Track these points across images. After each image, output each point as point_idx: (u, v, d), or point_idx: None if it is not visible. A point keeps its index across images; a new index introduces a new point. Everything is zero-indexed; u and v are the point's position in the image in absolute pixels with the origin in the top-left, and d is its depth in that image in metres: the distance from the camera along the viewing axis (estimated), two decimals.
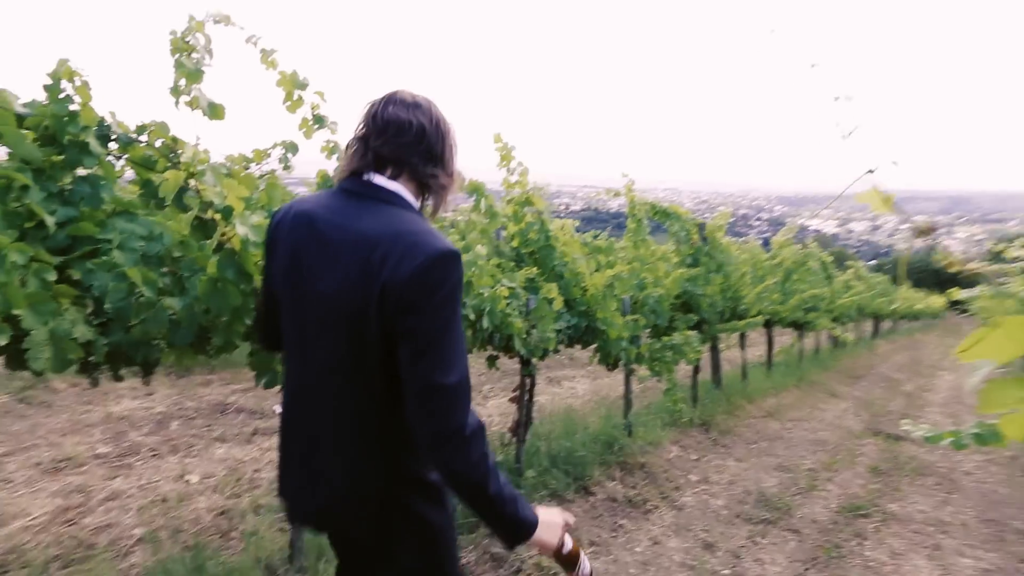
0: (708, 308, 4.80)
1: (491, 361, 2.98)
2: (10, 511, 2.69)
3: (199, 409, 4.17)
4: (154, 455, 3.41)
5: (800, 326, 7.57)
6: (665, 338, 3.87)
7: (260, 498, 2.95)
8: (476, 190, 3.07)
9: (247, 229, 1.58)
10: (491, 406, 4.90)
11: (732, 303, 5.41)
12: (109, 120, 1.91)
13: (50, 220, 1.64)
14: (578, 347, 3.57)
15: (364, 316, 0.91)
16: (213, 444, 3.62)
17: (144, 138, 2.01)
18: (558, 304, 2.98)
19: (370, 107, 1.00)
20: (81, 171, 1.77)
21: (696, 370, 5.02)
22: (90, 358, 1.66)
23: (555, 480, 3.14)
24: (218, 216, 1.54)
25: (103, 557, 2.40)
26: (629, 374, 3.97)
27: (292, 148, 2.35)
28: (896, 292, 14.29)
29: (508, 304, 2.78)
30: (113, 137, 1.93)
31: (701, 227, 5.25)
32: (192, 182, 1.48)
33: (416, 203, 1.02)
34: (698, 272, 4.76)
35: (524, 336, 2.82)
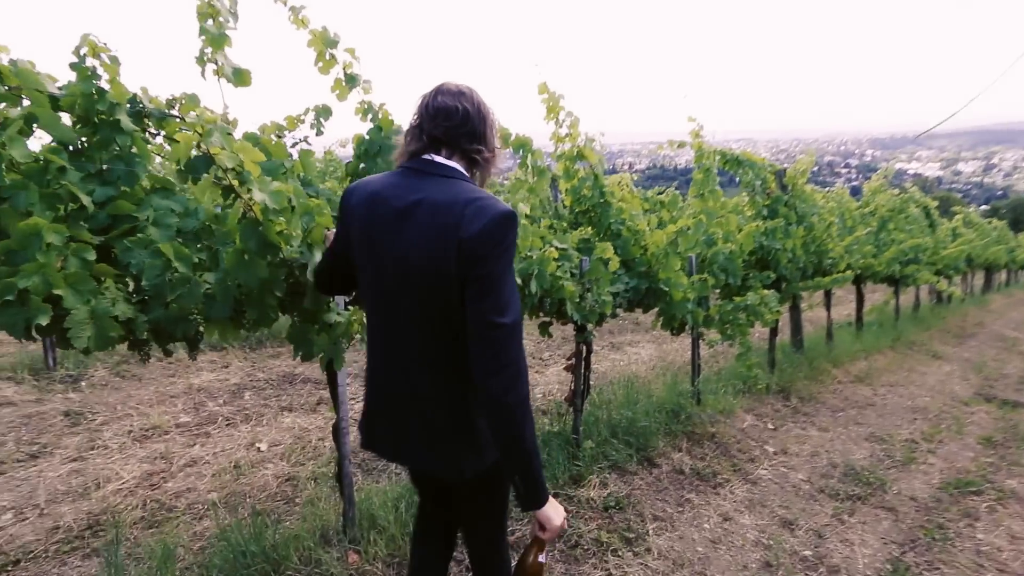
0: (788, 264, 4.35)
1: (543, 328, 2.83)
2: (104, 475, 2.93)
3: (269, 380, 4.36)
4: (229, 424, 3.60)
5: (896, 281, 6.79)
6: (738, 298, 3.53)
7: (322, 466, 3.03)
8: (522, 146, 2.85)
9: (266, 195, 1.49)
10: (550, 374, 4.78)
11: (816, 257, 4.88)
12: (141, 96, 1.87)
13: (87, 200, 1.63)
14: (639, 311, 3.32)
15: (444, 270, 1.08)
16: (281, 413, 3.77)
17: (176, 112, 1.97)
18: (614, 264, 2.75)
19: (422, 99, 1.19)
20: (116, 149, 1.75)
21: (774, 332, 4.62)
22: (132, 335, 1.67)
23: (616, 451, 2.98)
24: (236, 182, 1.46)
25: (181, 520, 2.55)
26: (697, 339, 3.68)
27: (325, 112, 2.25)
28: (1016, 239, 12.54)
29: (559, 267, 2.60)
30: (146, 113, 1.91)
31: (779, 174, 4.72)
32: (204, 146, 1.39)
33: (468, 175, 1.19)
34: (776, 224, 4.30)
35: (577, 300, 2.63)
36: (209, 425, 3.56)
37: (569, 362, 2.93)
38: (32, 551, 2.36)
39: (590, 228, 3.19)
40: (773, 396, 4.21)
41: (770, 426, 3.73)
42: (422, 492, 1.48)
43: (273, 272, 1.69)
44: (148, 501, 2.72)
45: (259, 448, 3.28)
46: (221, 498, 2.75)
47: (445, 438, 1.18)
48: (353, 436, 2.98)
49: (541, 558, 1.18)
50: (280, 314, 1.95)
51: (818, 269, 5.07)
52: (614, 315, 2.97)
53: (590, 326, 2.81)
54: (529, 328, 5.68)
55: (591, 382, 3.18)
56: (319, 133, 2.22)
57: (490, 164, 1.23)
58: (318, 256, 1.75)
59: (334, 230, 1.49)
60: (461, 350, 1.12)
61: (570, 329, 2.90)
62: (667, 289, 3.10)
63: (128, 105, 1.80)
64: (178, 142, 1.94)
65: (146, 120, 1.92)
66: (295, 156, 2.08)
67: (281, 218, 1.59)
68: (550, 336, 2.85)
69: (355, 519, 2.22)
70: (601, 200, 3.12)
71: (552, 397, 4.09)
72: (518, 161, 2.88)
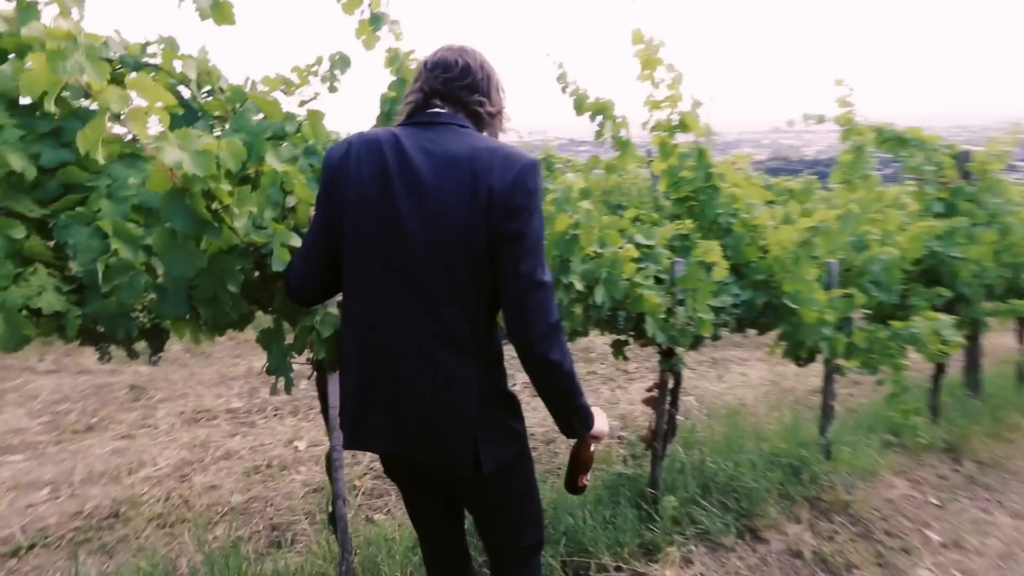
0: (971, 279, 3.22)
1: (618, 348, 2.18)
2: (142, 458, 2.82)
3: None
4: (276, 414, 3.40)
5: None
6: (897, 324, 2.58)
7: (354, 478, 2.66)
8: (600, 111, 2.21)
9: (185, 156, 1.04)
10: (633, 391, 4.06)
11: (1011, 272, 3.63)
12: (115, 39, 1.54)
13: (19, 164, 1.30)
14: (752, 332, 2.54)
15: (472, 228, 0.99)
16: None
17: (157, 61, 1.62)
18: (720, 271, 2.02)
19: (422, 59, 1.15)
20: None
21: (939, 369, 3.49)
22: (62, 333, 1.33)
23: (707, 515, 2.26)
24: (146, 141, 1.03)
25: (196, 523, 2.31)
26: (831, 374, 2.78)
27: (342, 63, 1.80)
28: None
29: (640, 270, 1.94)
30: (116, 60, 1.57)
31: (961, 157, 3.55)
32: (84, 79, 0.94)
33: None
34: (956, 224, 3.19)
35: (663, 316, 1.95)
36: (257, 414, 3.38)
37: (650, 394, 2.25)
38: (48, 536, 2.23)
39: (690, 222, 2.46)
40: (938, 456, 3.14)
41: (933, 500, 2.73)
42: (420, 502, 1.30)
43: (223, 261, 1.26)
44: (172, 494, 2.53)
45: (296, 447, 3.01)
46: (241, 504, 2.49)
47: (465, 426, 1.06)
48: (349, 465, 2.57)
49: (592, 447, 1.24)
50: (260, 311, 1.55)
51: (1012, 287, 3.78)
52: (716, 337, 2.24)
53: (680, 350, 2.11)
54: (590, 345, 5.43)
55: (679, 416, 2.47)
56: (333, 89, 1.77)
57: (496, 122, 1.17)
58: (296, 242, 1.29)
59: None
60: (487, 325, 1.07)
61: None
62: (794, 306, 2.29)
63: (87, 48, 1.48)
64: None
65: (118, 70, 1.60)
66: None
67: (224, 186, 1.15)
68: (624, 358, 2.20)
69: (350, 572, 1.78)
70: (707, 184, 2.38)
71: (630, 426, 3.40)
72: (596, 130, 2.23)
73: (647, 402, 2.24)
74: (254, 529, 2.32)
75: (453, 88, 1.09)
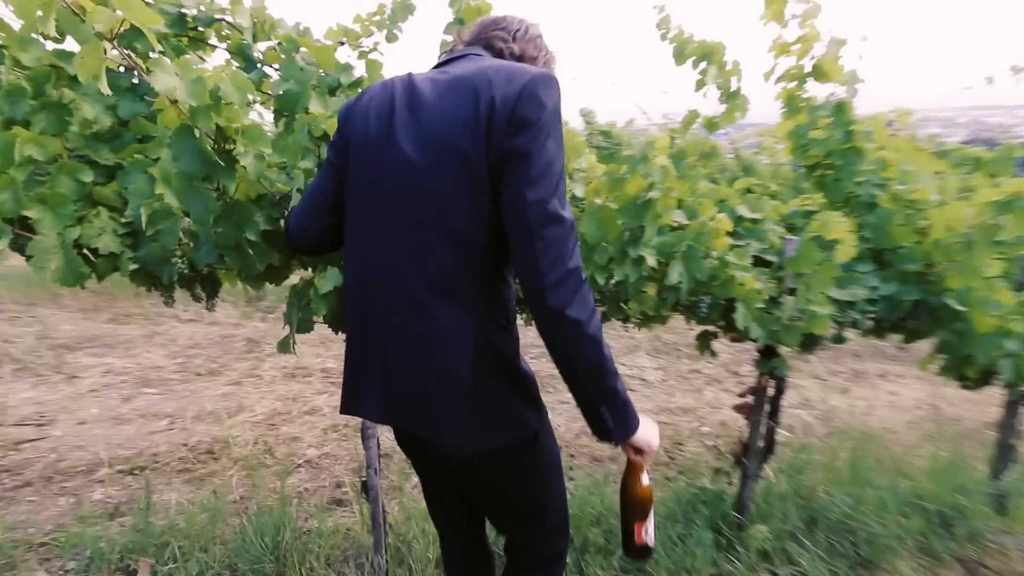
0: None
1: (703, 342, 1.81)
2: (243, 404, 3.08)
3: None
4: None
5: None
6: None
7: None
8: (706, 56, 1.82)
9: (179, 83, 0.97)
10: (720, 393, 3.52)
11: None
12: None
13: (92, 113, 1.37)
14: (894, 337, 1.98)
15: (470, 146, 0.82)
16: None
17: (229, 18, 1.63)
18: (846, 250, 1.57)
19: None
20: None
21: None
22: (116, 272, 1.39)
23: (808, 556, 1.82)
24: (141, 62, 0.98)
25: (274, 469, 2.45)
26: (1015, 401, 2.10)
27: (403, 10, 1.67)
28: None
29: (736, 248, 1.57)
30: (190, 17, 1.60)
31: None
32: None
33: None
34: None
35: (761, 306, 1.56)
36: None
37: (744, 400, 1.86)
38: (158, 462, 2.51)
39: (820, 195, 1.98)
40: None
41: None
42: (430, 482, 1.17)
43: (244, 208, 1.21)
44: (259, 439, 2.72)
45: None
46: (315, 457, 2.59)
47: (454, 395, 0.88)
48: (382, 434, 2.50)
49: (645, 480, 0.99)
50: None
51: None
52: (839, 339, 1.76)
53: (786, 349, 1.70)
54: (672, 330, 4.88)
55: (782, 432, 2.04)
56: (392, 37, 1.65)
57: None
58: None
59: None
60: (489, 274, 0.88)
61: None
62: (960, 308, 1.72)
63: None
64: (235, 53, 1.61)
65: (193, 26, 1.63)
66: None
67: (232, 124, 1.08)
68: (711, 353, 1.83)
69: (384, 546, 1.71)
70: (845, 145, 1.87)
71: (726, 435, 2.95)
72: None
73: (739, 409, 1.85)
74: (320, 484, 2.39)
75: (483, 33, 1.02)
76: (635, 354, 4.32)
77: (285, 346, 1.37)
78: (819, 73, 1.90)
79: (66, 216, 1.28)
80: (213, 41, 1.68)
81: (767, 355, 1.74)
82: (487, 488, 1.03)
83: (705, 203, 1.63)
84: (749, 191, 2.12)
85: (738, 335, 1.64)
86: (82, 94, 1.37)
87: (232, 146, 1.12)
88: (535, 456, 1.01)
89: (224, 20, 1.59)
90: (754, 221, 1.74)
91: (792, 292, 1.62)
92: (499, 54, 0.98)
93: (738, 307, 1.52)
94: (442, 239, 0.85)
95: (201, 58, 1.72)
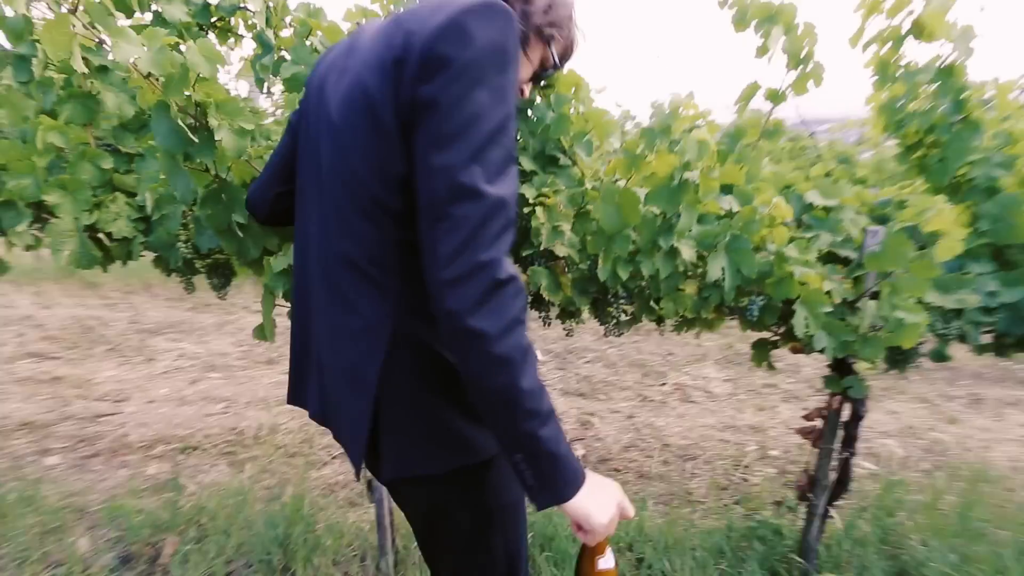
0: None
1: (760, 352, 1.53)
2: None
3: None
4: None
5: None
6: None
7: None
8: (770, 18, 1.55)
9: (142, 52, 0.92)
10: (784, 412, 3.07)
11: None
12: None
13: (113, 102, 1.38)
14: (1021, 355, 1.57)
15: (379, 95, 0.65)
16: None
17: (251, 5, 1.62)
18: (951, 245, 1.24)
19: None
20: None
21: None
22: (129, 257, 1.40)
23: None
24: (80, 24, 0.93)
25: (309, 459, 2.47)
26: None
27: None
28: None
29: (799, 240, 1.30)
30: (214, 6, 1.60)
31: None
32: None
33: None
34: None
35: (827, 311, 1.27)
36: None
37: (812, 425, 1.55)
38: (208, 443, 2.61)
39: (921, 181, 1.63)
40: None
41: None
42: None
43: (233, 191, 1.15)
44: (302, 429, 2.76)
45: None
46: None
47: (359, 397, 0.71)
48: None
49: (602, 564, 0.74)
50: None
51: None
52: (940, 357, 1.42)
53: (862, 367, 1.39)
54: (747, 337, 3.93)
55: (861, 464, 1.69)
56: None
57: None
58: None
59: None
60: (417, 253, 0.65)
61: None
62: None
63: None
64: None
65: (219, 16, 1.63)
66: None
67: (209, 99, 1.01)
68: (770, 366, 1.54)
69: (390, 549, 1.61)
70: (956, 118, 1.51)
71: (797, 461, 2.56)
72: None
73: (804, 434, 1.55)
74: (351, 478, 2.36)
75: None
76: (702, 363, 3.96)
77: (261, 333, 1.30)
78: (920, 30, 1.55)
79: (83, 201, 1.29)
80: (242, 31, 1.68)
81: (840, 371, 1.44)
82: (416, 524, 0.84)
83: (762, 187, 1.38)
84: (828, 175, 1.80)
85: (799, 345, 1.37)
86: (107, 84, 1.39)
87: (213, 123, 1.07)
88: (480, 493, 0.78)
89: (246, 8, 1.58)
90: (827, 209, 1.45)
91: (875, 296, 1.31)
92: None
93: (797, 310, 1.25)
94: (360, 212, 0.69)
95: (231, 48, 1.73)
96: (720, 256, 1.25)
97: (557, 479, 0.64)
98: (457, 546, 0.81)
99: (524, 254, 1.38)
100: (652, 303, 1.35)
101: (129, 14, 1.40)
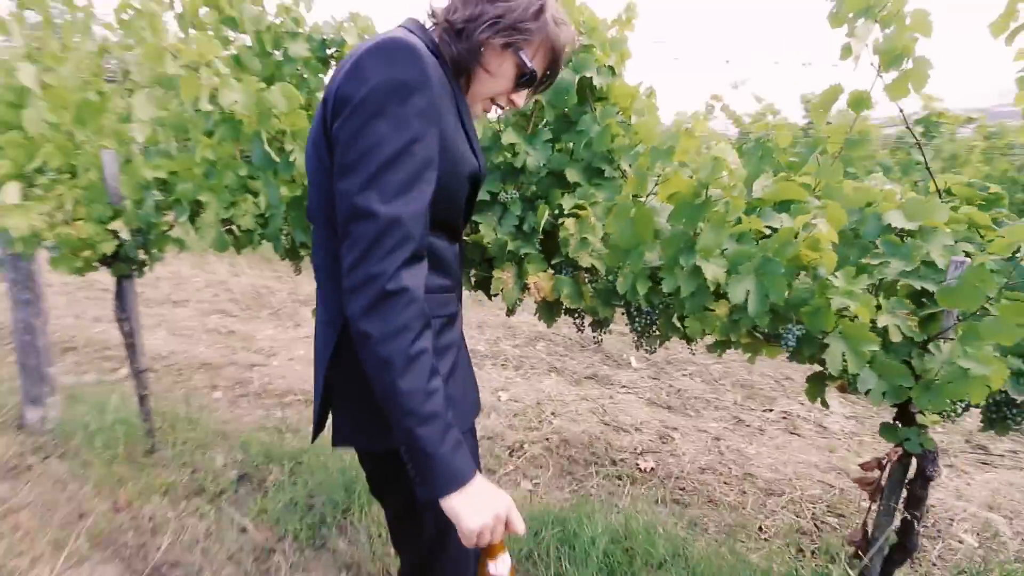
0: None
1: (814, 386, 1.38)
2: None
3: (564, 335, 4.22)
4: (503, 364, 3.69)
5: None
6: None
7: (530, 440, 2.66)
8: (866, 10, 1.36)
9: (240, 97, 1.18)
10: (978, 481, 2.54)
11: None
12: (329, 23, 1.89)
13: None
14: None
15: (317, 131, 0.81)
16: (549, 374, 3.57)
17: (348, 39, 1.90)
18: None
19: None
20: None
21: None
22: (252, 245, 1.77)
23: None
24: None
25: None
26: None
27: None
28: None
29: (851, 267, 1.17)
30: (328, 40, 1.91)
31: None
32: None
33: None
34: None
35: (880, 351, 1.12)
36: (487, 359, 3.76)
37: (871, 475, 1.37)
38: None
39: None
40: None
41: None
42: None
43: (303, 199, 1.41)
44: None
45: (499, 396, 3.21)
46: None
47: (320, 377, 0.88)
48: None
49: (492, 569, 0.80)
50: None
51: None
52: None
53: (932, 420, 1.19)
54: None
55: (925, 528, 1.42)
56: None
57: (462, 45, 0.82)
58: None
59: None
60: None
61: None
62: None
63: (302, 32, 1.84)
64: None
65: (332, 47, 1.93)
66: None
67: (287, 128, 1.26)
68: (823, 403, 1.38)
69: None
70: None
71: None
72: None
73: (861, 484, 1.37)
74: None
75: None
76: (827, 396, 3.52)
77: None
78: None
79: (224, 201, 1.68)
80: None
81: (904, 420, 1.25)
82: (389, 507, 0.96)
83: (831, 206, 1.25)
84: (949, 192, 1.54)
85: (844, 383, 1.22)
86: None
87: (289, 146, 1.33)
88: (404, 479, 0.85)
89: (346, 41, 1.86)
90: (910, 233, 1.26)
91: (943, 339, 1.13)
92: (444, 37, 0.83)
93: (832, 343, 1.13)
94: (323, 225, 0.85)
95: None
96: (746, 279, 1.18)
97: (432, 476, 0.72)
98: (395, 511, 0.95)
99: (554, 262, 1.44)
100: (676, 321, 1.32)
101: (264, 55, 1.75)
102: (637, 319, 1.37)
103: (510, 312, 1.57)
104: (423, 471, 0.72)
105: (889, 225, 1.29)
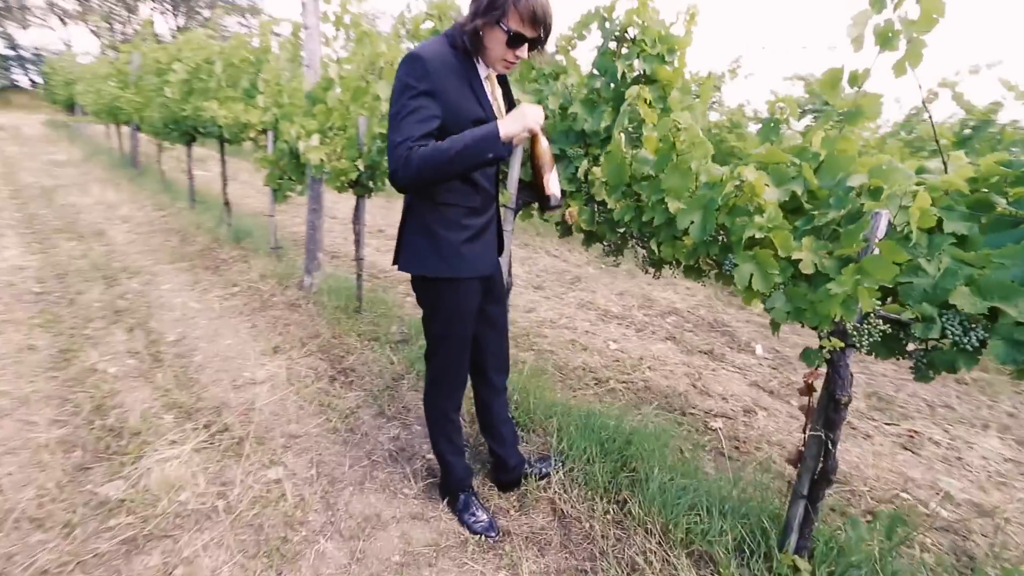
0: None
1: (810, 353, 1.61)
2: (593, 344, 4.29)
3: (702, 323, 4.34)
4: (625, 325, 4.11)
5: None
6: None
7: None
8: None
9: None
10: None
11: None
12: None
13: None
14: None
15: None
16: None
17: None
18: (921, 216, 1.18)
19: None
20: None
21: None
22: None
23: None
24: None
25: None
26: None
27: None
28: None
29: (789, 215, 1.45)
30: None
31: None
32: None
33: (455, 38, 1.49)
34: None
35: (794, 280, 1.38)
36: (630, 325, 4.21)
37: (808, 386, 1.57)
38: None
39: None
40: None
41: None
42: None
43: None
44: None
45: (608, 345, 3.69)
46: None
47: (400, 237, 1.65)
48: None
49: (544, 143, 1.47)
50: None
51: None
52: (949, 366, 1.26)
53: (835, 343, 1.39)
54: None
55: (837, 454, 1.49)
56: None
57: (467, 33, 1.44)
58: None
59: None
60: None
61: None
62: None
63: None
64: None
65: None
66: None
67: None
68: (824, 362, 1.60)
69: None
70: None
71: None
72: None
73: (802, 409, 1.58)
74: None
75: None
76: (984, 434, 3.02)
77: None
78: None
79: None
80: None
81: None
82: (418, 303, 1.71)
83: (806, 168, 1.53)
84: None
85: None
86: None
87: None
88: (426, 294, 1.64)
89: None
90: (872, 194, 1.45)
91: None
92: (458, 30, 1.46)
93: (741, 265, 1.45)
94: None
95: None
96: (694, 212, 1.56)
97: (485, 143, 1.36)
98: (422, 316, 1.71)
99: (583, 200, 1.99)
100: (655, 246, 1.75)
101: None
102: (631, 243, 1.83)
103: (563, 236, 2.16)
104: (482, 147, 1.36)
105: (851, 186, 1.49)
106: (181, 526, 1.79)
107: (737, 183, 1.49)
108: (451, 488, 1.90)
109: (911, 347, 1.36)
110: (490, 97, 1.54)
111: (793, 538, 1.64)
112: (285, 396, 2.61)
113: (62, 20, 28.89)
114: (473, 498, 1.90)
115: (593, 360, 3.43)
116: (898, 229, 1.36)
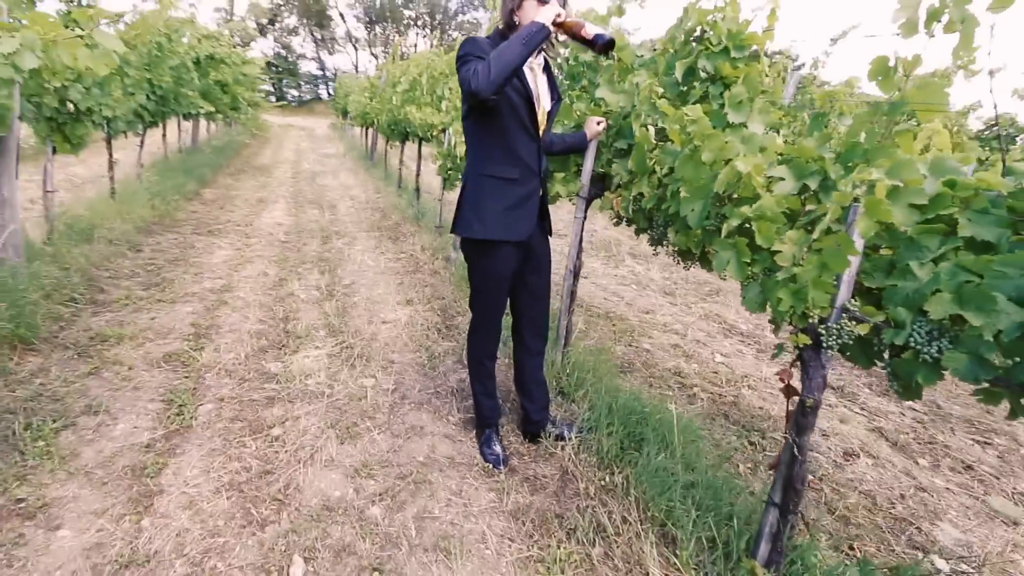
0: None
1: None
2: (658, 322, 4.29)
3: None
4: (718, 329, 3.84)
5: None
6: None
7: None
8: None
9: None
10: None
11: None
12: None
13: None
14: None
15: None
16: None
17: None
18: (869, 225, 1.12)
19: None
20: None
21: None
22: None
23: None
24: None
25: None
26: None
27: None
28: None
29: (784, 198, 1.45)
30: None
31: None
32: None
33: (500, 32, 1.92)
34: None
35: (770, 271, 1.38)
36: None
37: (788, 387, 1.49)
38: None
39: None
40: None
41: None
42: None
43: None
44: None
45: (715, 356, 3.54)
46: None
47: (458, 206, 1.99)
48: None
49: (587, 29, 1.71)
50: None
51: None
52: (908, 376, 1.14)
53: (802, 340, 1.34)
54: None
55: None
56: None
57: (505, 13, 1.87)
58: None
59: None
60: (473, 154, 1.93)
61: None
62: None
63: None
64: None
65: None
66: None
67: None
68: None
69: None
70: None
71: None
72: None
73: (782, 383, 1.51)
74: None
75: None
76: None
77: None
78: None
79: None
80: None
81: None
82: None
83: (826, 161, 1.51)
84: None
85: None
86: None
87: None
88: (471, 253, 1.96)
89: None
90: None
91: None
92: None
93: (720, 251, 1.48)
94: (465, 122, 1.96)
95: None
96: (695, 202, 1.63)
97: (532, 27, 1.64)
98: (470, 273, 2.04)
99: (625, 191, 2.13)
100: (667, 230, 1.82)
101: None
102: (656, 228, 1.92)
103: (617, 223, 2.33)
104: (532, 35, 1.64)
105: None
106: (300, 398, 2.52)
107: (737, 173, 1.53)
108: (479, 422, 2.26)
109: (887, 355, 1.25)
110: (531, 82, 1.85)
111: (764, 548, 1.57)
112: (399, 334, 3.27)
113: (355, 47, 37.44)
114: (494, 435, 2.22)
115: (689, 367, 3.38)
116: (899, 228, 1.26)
